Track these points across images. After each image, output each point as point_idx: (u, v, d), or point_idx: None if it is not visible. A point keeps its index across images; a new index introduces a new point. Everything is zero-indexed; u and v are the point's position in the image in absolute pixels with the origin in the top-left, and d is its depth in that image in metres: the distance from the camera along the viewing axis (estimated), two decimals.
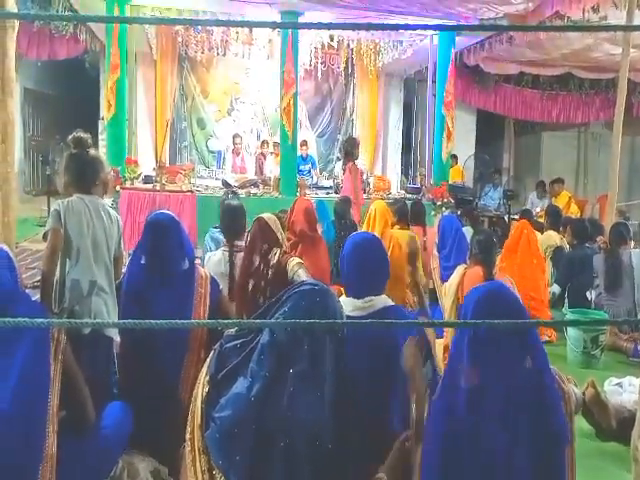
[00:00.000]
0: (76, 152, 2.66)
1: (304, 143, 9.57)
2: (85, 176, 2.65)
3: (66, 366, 1.87)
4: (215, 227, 4.56)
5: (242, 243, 3.44)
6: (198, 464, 1.62)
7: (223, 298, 2.87)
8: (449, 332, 3.62)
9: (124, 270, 2.79)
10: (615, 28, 3.66)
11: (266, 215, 3.25)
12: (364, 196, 7.64)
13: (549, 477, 1.59)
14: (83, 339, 2.35)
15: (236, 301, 3.04)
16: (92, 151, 2.73)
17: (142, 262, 2.61)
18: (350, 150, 7.30)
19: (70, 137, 2.71)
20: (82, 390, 1.97)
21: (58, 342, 1.83)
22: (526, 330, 1.67)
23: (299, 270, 3.04)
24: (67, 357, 1.89)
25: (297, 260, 3.13)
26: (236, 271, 3.35)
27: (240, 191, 7.03)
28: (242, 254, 3.32)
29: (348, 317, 2.10)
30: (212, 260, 3.50)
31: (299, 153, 8.95)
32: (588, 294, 5.04)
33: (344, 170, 7.55)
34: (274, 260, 3.05)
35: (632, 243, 5.28)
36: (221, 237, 4.25)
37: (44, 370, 1.78)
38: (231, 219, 3.56)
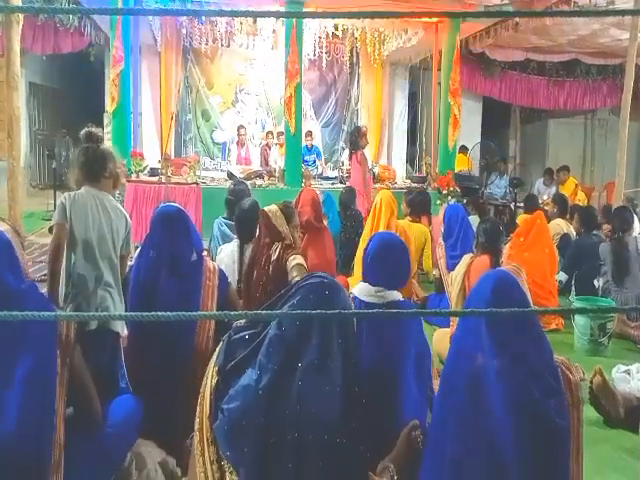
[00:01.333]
0: (86, 146, 2.67)
1: (309, 134, 9.55)
2: (93, 168, 2.65)
3: (74, 366, 1.85)
4: (224, 217, 4.53)
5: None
6: (207, 454, 1.63)
7: (231, 291, 2.87)
8: (456, 321, 3.62)
9: (131, 263, 2.79)
10: (623, 13, 3.61)
11: (269, 208, 3.22)
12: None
13: (549, 468, 1.59)
14: (89, 335, 2.33)
15: (242, 293, 3.03)
16: (103, 145, 2.73)
17: (150, 255, 2.62)
18: (355, 140, 7.27)
19: (82, 132, 2.72)
20: (89, 388, 1.95)
21: (67, 343, 1.80)
22: (526, 318, 1.68)
23: (297, 277, 2.91)
24: (76, 357, 1.87)
25: (297, 261, 3.03)
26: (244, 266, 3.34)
27: (246, 182, 7.01)
28: None
29: (364, 302, 2.19)
30: (225, 251, 3.49)
31: (304, 144, 8.94)
32: (595, 282, 5.02)
33: (350, 160, 7.51)
34: (274, 256, 3.01)
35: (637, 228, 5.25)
36: (228, 231, 4.26)
37: (50, 373, 1.74)
38: (242, 222, 3.52)
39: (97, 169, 2.65)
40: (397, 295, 2.23)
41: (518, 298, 1.71)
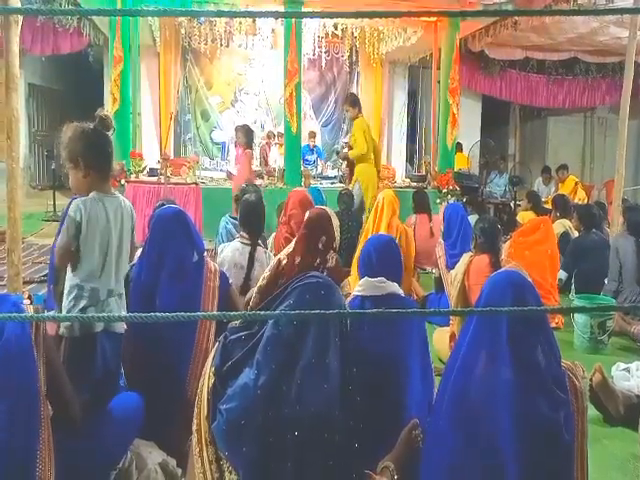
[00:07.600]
0: (100, 130, 2.33)
1: (313, 135, 9.55)
2: (110, 160, 2.35)
3: (48, 360, 1.78)
4: (231, 216, 4.53)
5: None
6: (205, 455, 1.63)
7: (232, 291, 2.86)
8: (456, 320, 3.62)
9: (132, 262, 2.72)
10: (622, 12, 3.60)
11: (329, 210, 3.17)
12: None
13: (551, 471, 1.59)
14: (96, 337, 2.28)
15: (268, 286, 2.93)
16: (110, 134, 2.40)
17: (150, 256, 2.62)
18: None
19: (97, 112, 2.38)
20: (66, 391, 1.89)
21: (45, 345, 1.74)
22: (540, 321, 1.67)
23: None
24: (49, 349, 1.80)
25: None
26: (255, 264, 3.34)
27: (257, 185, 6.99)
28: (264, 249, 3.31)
29: (366, 297, 2.21)
30: (227, 249, 3.47)
31: (308, 143, 8.97)
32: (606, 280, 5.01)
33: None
34: (331, 263, 2.98)
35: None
36: (234, 230, 4.26)
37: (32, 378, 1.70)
38: (250, 216, 3.50)
39: (109, 165, 2.35)
40: (397, 288, 2.27)
41: (535, 302, 1.70)
